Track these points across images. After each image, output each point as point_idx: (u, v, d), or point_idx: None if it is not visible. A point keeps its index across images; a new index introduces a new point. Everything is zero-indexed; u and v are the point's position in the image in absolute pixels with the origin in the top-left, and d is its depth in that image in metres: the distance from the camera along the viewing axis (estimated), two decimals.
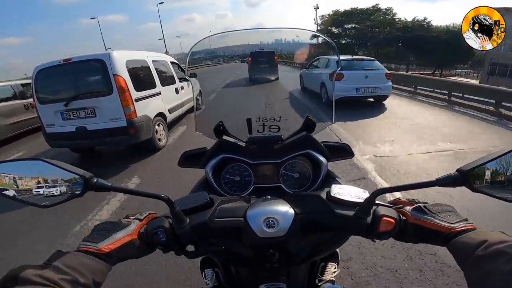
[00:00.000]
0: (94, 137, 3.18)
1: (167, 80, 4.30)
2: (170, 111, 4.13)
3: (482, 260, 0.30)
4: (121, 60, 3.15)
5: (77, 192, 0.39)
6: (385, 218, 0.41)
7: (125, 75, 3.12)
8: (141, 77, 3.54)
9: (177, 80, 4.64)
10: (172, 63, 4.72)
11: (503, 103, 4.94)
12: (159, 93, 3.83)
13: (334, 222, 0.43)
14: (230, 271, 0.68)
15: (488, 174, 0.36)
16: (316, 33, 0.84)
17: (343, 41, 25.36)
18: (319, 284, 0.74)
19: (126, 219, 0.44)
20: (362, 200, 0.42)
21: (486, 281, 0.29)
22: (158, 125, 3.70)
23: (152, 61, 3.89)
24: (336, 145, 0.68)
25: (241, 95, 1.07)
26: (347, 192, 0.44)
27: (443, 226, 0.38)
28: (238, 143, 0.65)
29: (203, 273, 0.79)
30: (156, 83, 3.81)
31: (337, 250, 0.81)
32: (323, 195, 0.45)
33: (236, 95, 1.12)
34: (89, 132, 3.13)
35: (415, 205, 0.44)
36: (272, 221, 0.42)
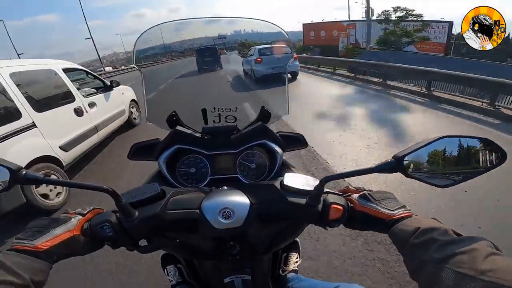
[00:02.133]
0: None
1: (54, 99, 2.71)
2: (66, 148, 2.62)
3: (416, 248, 0.32)
4: None
5: (3, 186, 0.36)
6: (334, 206, 0.42)
7: None
8: None
9: (78, 96, 3.06)
10: (67, 70, 3.09)
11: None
12: (32, 125, 2.30)
13: (287, 211, 0.43)
14: (193, 266, 0.67)
15: (421, 160, 0.37)
16: (267, 21, 0.72)
17: None
18: (283, 274, 0.76)
19: (66, 214, 0.41)
20: (312, 188, 0.42)
21: (420, 270, 0.30)
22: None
23: (11, 74, 2.27)
24: (290, 135, 0.69)
25: (193, 86, 1.09)
26: (299, 180, 0.45)
27: (384, 213, 0.40)
28: (193, 134, 0.62)
29: (165, 270, 0.76)
30: (23, 109, 2.25)
31: (298, 240, 0.86)
32: (277, 184, 0.46)
33: (188, 86, 1.10)
34: None
35: (361, 193, 0.45)
36: (228, 211, 0.41)
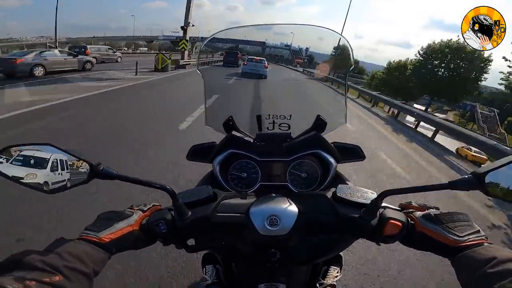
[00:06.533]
0: None
1: None
2: None
3: (489, 278, 0.29)
4: None
5: (83, 179, 0.39)
6: (392, 221, 0.40)
7: None
8: None
9: None
10: None
11: None
12: None
13: (338, 223, 0.42)
14: (231, 268, 0.68)
15: (503, 177, 0.35)
16: (337, 33, 0.72)
17: None
18: (320, 287, 0.73)
19: (130, 210, 0.44)
20: (368, 202, 0.41)
21: None
22: None
23: None
24: (346, 146, 0.67)
25: (243, 89, 1.24)
26: (354, 192, 0.44)
27: (451, 239, 0.37)
28: (247, 139, 0.64)
29: (204, 268, 0.78)
30: None
31: (341, 254, 0.81)
32: (329, 195, 0.45)
33: (242, 89, 1.26)
34: None
35: (425, 211, 0.42)
36: (275, 219, 0.41)
